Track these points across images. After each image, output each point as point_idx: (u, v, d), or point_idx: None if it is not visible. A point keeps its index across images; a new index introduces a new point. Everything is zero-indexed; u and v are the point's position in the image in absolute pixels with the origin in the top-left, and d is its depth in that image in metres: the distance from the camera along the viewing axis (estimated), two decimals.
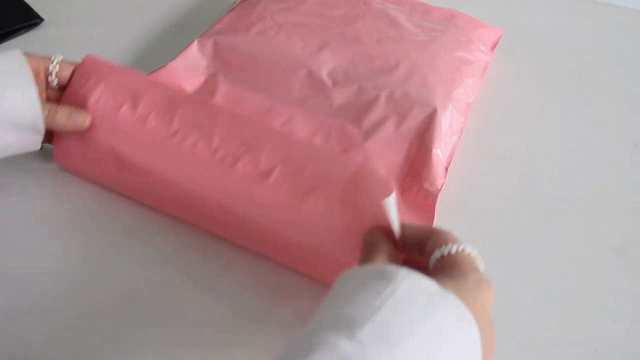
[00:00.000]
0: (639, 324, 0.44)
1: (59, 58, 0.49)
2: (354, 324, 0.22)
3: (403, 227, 0.36)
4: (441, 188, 0.50)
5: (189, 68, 0.58)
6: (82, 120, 0.47)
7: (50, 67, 0.48)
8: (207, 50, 0.59)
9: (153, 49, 0.63)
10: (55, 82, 0.49)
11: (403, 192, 0.50)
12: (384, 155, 0.51)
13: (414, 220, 0.46)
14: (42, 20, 0.68)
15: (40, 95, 0.46)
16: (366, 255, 0.34)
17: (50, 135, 0.49)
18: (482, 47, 0.63)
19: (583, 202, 0.52)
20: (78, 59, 0.49)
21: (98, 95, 0.48)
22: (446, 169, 0.52)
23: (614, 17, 0.77)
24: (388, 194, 0.36)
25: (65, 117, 0.47)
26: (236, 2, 0.67)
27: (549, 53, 0.70)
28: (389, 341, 0.22)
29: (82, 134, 0.48)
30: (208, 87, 0.57)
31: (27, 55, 0.46)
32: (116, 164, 0.48)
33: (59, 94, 0.49)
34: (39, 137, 0.47)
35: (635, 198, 0.53)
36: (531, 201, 0.52)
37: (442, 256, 0.32)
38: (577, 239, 0.49)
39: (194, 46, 0.59)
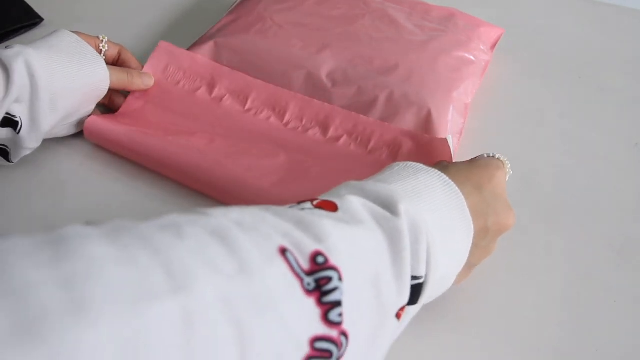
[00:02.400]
0: (639, 324, 0.44)
1: (106, 38, 0.54)
2: (368, 179, 0.36)
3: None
4: None
5: None
6: (150, 80, 0.56)
7: (101, 46, 0.54)
8: (207, 51, 0.59)
9: (153, 49, 0.63)
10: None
11: None
12: None
13: None
14: (42, 20, 0.68)
15: None
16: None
17: None
18: (482, 47, 0.63)
19: (583, 202, 0.52)
20: None
21: (178, 79, 0.56)
22: None
23: (614, 17, 0.77)
24: (446, 143, 0.49)
25: (139, 79, 0.55)
26: (236, 3, 0.67)
27: (549, 53, 0.70)
28: (384, 181, 0.35)
29: (137, 108, 0.55)
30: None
31: (78, 33, 0.51)
32: (165, 132, 0.52)
33: None
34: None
35: (635, 198, 0.53)
36: (531, 201, 0.52)
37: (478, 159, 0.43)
38: (577, 239, 0.49)
39: (195, 47, 0.59)
